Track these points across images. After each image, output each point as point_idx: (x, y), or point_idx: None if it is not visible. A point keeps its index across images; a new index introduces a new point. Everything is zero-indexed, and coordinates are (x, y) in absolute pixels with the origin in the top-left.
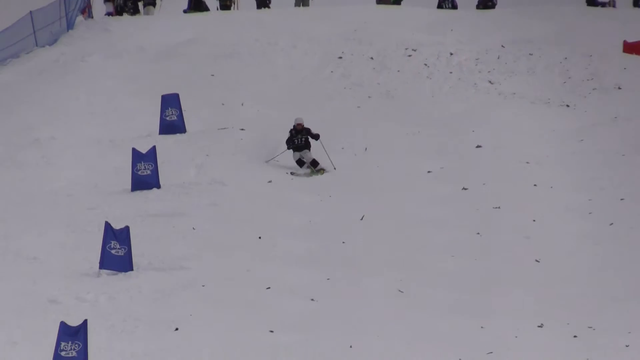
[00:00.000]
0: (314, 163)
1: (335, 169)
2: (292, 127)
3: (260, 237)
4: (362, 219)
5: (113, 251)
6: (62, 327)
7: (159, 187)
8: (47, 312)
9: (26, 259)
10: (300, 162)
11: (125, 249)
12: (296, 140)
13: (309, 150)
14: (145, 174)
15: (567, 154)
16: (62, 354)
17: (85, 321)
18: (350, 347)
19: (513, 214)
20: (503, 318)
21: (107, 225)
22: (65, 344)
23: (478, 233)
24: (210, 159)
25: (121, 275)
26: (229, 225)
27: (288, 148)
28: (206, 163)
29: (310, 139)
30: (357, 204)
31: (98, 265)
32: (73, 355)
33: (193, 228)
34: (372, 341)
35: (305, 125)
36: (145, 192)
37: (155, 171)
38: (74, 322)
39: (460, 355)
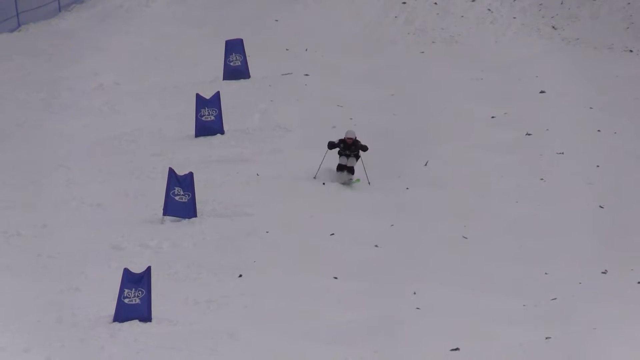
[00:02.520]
0: (351, 170)
1: (369, 183)
2: (341, 139)
3: (324, 184)
4: (426, 164)
5: (177, 197)
6: (125, 273)
7: (222, 132)
8: (111, 259)
9: (90, 206)
10: (340, 167)
11: (189, 195)
12: (344, 154)
13: (355, 158)
14: (209, 120)
15: (631, 99)
16: (126, 300)
17: (149, 268)
18: (414, 293)
19: (577, 159)
20: (567, 264)
21: (171, 171)
22: (129, 290)
23: (542, 179)
24: (274, 104)
25: (185, 221)
26: (292, 172)
27: (330, 148)
28: (270, 108)
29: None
30: (421, 149)
31: (162, 211)
32: (136, 302)
33: (257, 174)
34: (436, 288)
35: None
36: (209, 137)
37: (219, 117)
38: (138, 269)
39: (524, 301)
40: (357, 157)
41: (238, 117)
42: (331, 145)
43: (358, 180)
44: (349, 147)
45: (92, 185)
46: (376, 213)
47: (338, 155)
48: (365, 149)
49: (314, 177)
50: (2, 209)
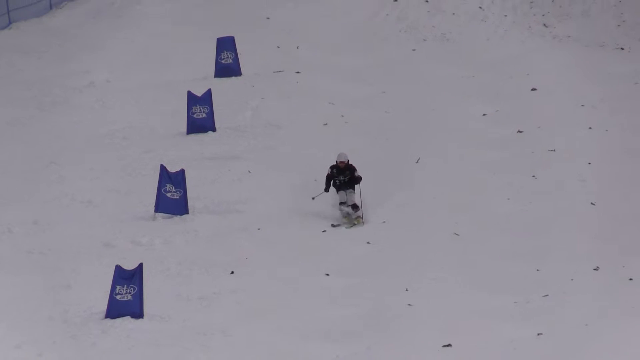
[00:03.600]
0: (355, 207)
1: (362, 224)
2: (333, 164)
3: (315, 180)
4: (417, 161)
5: (169, 194)
6: (117, 270)
7: (214, 130)
8: (103, 256)
9: (81, 203)
10: (343, 203)
11: (180, 192)
12: (338, 181)
13: (354, 190)
14: (200, 117)
15: (622, 97)
16: (118, 297)
17: (141, 265)
18: (406, 290)
19: (568, 156)
20: (559, 261)
21: (163, 168)
22: (121, 287)
23: (533, 176)
24: (265, 101)
25: (177, 218)
26: (284, 169)
27: (326, 189)
28: (261, 106)
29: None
30: (413, 147)
31: (153, 208)
32: (128, 298)
33: (249, 171)
34: (428, 284)
35: (350, 163)
36: (200, 135)
37: (211, 114)
38: (130, 265)
39: (515, 298)
40: (352, 185)
41: (229, 114)
42: (328, 179)
43: (360, 220)
44: (342, 172)
45: (84, 182)
46: (368, 210)
47: (336, 191)
48: (358, 180)
49: (313, 199)
50: None
